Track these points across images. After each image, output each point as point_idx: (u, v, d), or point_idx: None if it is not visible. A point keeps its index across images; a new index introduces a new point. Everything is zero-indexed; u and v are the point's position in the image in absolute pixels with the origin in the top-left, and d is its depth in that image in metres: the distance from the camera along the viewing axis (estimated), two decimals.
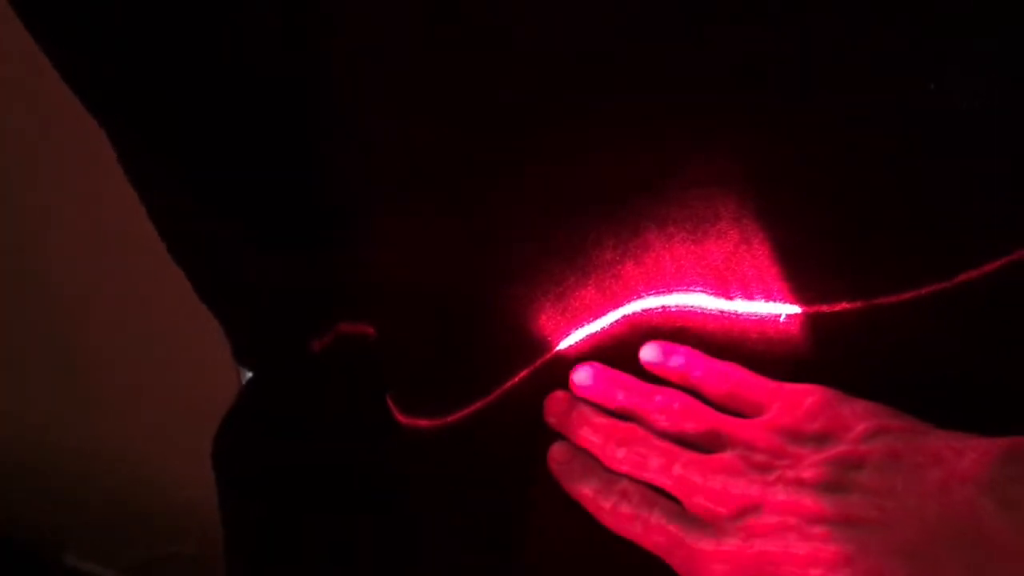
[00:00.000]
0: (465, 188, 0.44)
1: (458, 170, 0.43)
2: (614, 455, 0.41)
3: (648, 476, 0.40)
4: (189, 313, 0.51)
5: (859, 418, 0.37)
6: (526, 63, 0.41)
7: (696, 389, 0.42)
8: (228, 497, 0.51)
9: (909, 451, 0.35)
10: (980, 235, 0.38)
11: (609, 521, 0.41)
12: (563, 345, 0.44)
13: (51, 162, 0.75)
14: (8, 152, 0.76)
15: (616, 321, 0.43)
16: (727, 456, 0.39)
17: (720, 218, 0.41)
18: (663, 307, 0.43)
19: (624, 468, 0.41)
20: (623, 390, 0.43)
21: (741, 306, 0.41)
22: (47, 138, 0.72)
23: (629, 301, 0.43)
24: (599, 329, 0.44)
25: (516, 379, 0.44)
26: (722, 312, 0.42)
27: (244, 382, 0.53)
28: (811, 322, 0.40)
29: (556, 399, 0.44)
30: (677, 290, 0.42)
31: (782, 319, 0.41)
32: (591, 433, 0.42)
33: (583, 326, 0.44)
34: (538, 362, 0.44)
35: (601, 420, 0.42)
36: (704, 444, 0.40)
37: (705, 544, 0.38)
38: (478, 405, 0.44)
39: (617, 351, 0.43)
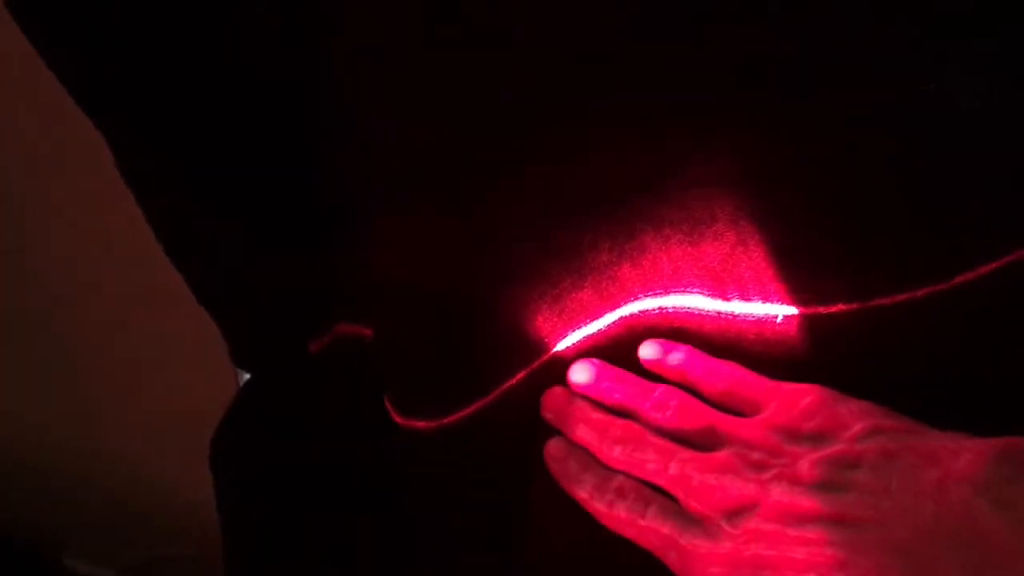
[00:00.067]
0: (465, 188, 0.44)
1: (458, 170, 0.43)
2: (611, 452, 0.41)
3: (644, 474, 0.40)
4: (188, 314, 0.51)
5: (856, 417, 0.37)
6: (526, 63, 0.41)
7: (694, 387, 0.42)
8: (227, 498, 0.51)
9: (905, 451, 0.35)
10: (980, 235, 0.38)
11: (605, 519, 0.41)
12: (561, 346, 0.44)
13: (51, 162, 0.75)
14: (8, 152, 0.76)
15: (613, 322, 0.43)
16: (724, 454, 0.39)
17: (717, 219, 0.41)
18: (660, 308, 0.42)
19: (620, 465, 0.41)
20: (621, 386, 0.43)
21: (738, 307, 0.41)
22: (47, 138, 0.72)
23: (626, 303, 0.43)
24: (596, 331, 0.44)
25: (514, 380, 0.44)
26: (719, 313, 0.42)
27: (242, 383, 0.53)
28: (808, 323, 0.40)
29: (554, 394, 0.44)
30: (674, 291, 0.42)
31: (779, 320, 0.41)
32: (587, 430, 0.42)
33: (581, 327, 0.44)
34: (536, 363, 0.44)
35: (598, 416, 0.42)
36: (701, 442, 0.40)
37: (700, 545, 0.37)
38: (477, 406, 0.44)
39: (614, 352, 0.43)
